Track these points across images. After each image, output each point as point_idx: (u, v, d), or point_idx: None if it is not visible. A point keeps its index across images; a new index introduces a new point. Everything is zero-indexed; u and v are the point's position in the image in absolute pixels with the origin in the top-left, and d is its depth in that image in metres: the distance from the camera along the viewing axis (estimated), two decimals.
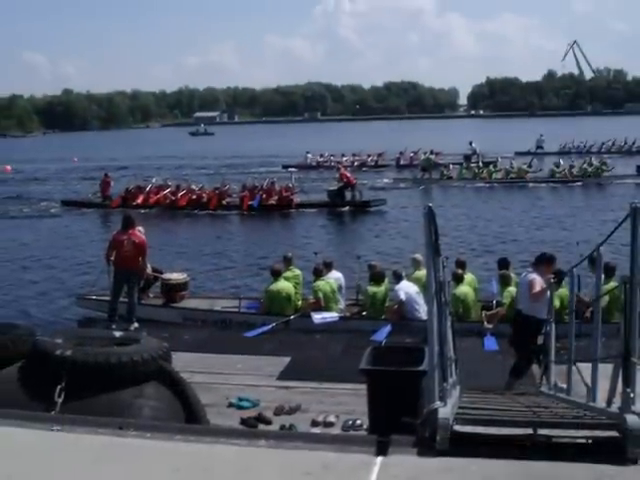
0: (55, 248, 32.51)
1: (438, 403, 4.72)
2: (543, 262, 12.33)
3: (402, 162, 65.22)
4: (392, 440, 4.21)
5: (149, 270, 18.99)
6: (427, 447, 4.19)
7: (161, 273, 20.03)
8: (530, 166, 54.14)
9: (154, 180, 46.94)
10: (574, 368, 8.61)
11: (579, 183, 50.15)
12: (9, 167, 74.87)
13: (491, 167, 54.13)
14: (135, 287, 17.97)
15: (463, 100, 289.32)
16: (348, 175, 43.05)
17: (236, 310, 18.65)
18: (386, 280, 17.99)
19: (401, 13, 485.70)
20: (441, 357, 5.36)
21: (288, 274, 18.66)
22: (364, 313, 18.01)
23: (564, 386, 9.18)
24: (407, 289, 17.30)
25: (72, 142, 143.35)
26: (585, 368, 7.36)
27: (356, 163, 65.00)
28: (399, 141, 77.68)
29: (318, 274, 18.41)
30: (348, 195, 42.15)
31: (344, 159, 64.80)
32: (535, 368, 12.44)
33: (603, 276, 7.96)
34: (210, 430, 5.32)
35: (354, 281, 19.49)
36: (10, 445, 4.28)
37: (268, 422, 10.66)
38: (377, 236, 34.54)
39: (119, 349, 6.39)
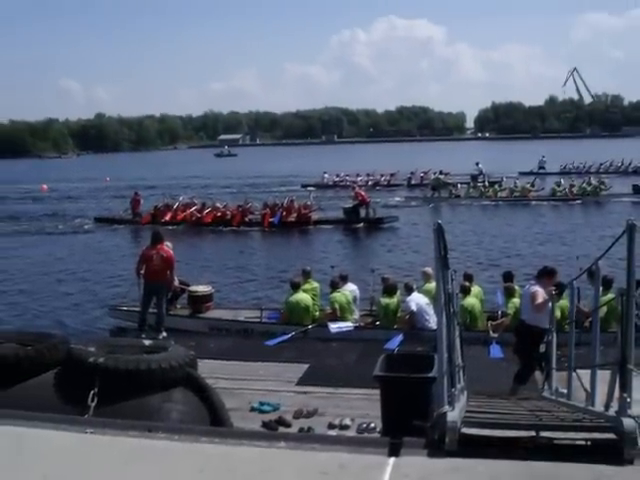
0: (88, 262, 32.67)
1: (447, 407, 4.72)
2: (545, 275, 12.31)
3: (413, 182, 65.17)
4: (404, 442, 4.21)
5: (176, 283, 18.99)
6: (437, 448, 4.19)
7: (188, 285, 20.04)
8: (533, 185, 54.23)
9: (181, 198, 47.02)
10: (574, 374, 8.58)
11: (579, 201, 50.28)
12: (45, 186, 75.42)
13: (496, 186, 54.16)
14: (163, 299, 17.99)
15: (470, 123, 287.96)
16: (363, 194, 43.12)
17: (258, 320, 18.66)
18: (398, 292, 17.97)
19: (412, 42, 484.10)
20: (450, 364, 5.36)
21: (306, 286, 18.66)
22: (377, 323, 17.95)
23: (565, 391, 9.15)
24: (418, 300, 17.29)
25: (104, 163, 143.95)
26: (584, 374, 7.34)
27: (370, 182, 64.96)
28: (410, 162, 77.60)
29: (334, 286, 18.40)
30: (363, 212, 42.20)
31: (359, 179, 64.90)
32: (537, 374, 12.38)
33: (601, 288, 7.94)
34: (234, 432, 5.31)
35: (368, 293, 19.48)
36: (46, 446, 4.29)
37: (288, 425, 10.67)
38: (390, 251, 34.54)
39: (148, 357, 6.38)
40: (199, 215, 42.97)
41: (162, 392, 6.19)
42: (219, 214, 42.92)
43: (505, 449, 4.21)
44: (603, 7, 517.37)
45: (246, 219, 42.49)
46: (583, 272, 9.28)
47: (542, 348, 11.79)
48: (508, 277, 18.16)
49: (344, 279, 18.85)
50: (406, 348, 14.54)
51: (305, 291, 18.45)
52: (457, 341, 7.08)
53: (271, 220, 41.25)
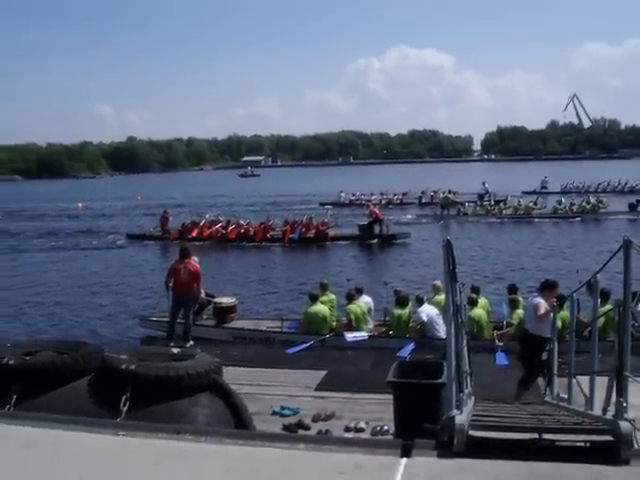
0: (120, 276, 32.78)
1: (455, 411, 4.72)
2: (547, 288, 12.28)
3: (424, 200, 65.05)
4: (415, 443, 4.20)
5: (203, 295, 19.02)
6: (446, 449, 4.18)
7: (213, 297, 20.06)
8: (536, 204, 54.20)
9: (207, 216, 47.17)
10: (574, 380, 8.57)
11: (578, 218, 50.24)
12: (80, 205, 76.05)
13: (501, 205, 54.22)
14: (190, 310, 18.02)
15: (477, 146, 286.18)
16: (377, 211, 43.16)
17: (279, 330, 18.69)
18: (410, 303, 17.93)
19: (423, 70, 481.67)
20: (458, 371, 5.37)
21: (324, 298, 18.65)
22: (390, 332, 17.92)
23: (565, 396, 9.13)
24: (428, 311, 17.26)
25: (136, 183, 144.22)
26: (584, 380, 7.34)
27: (384, 201, 64.86)
28: (421, 182, 77.58)
29: (350, 298, 18.38)
30: (377, 229, 42.21)
31: (373, 197, 64.83)
32: (540, 380, 12.35)
33: (599, 300, 7.92)
34: (256, 435, 5.31)
35: (382, 304, 19.47)
36: (81, 448, 4.30)
37: (307, 428, 10.65)
38: (402, 265, 34.46)
39: (177, 364, 6.39)
40: (224, 232, 43.12)
41: (189, 397, 6.20)
42: (243, 231, 43.07)
43: (509, 450, 4.21)
44: (601, 37, 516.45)
45: (268, 235, 42.56)
46: (582, 285, 9.27)
47: (544, 356, 11.75)
48: (513, 289, 18.17)
49: (359, 291, 18.84)
50: (417, 356, 14.53)
51: (323, 303, 18.45)
52: (465, 349, 7.08)
53: (291, 236, 41.32)
